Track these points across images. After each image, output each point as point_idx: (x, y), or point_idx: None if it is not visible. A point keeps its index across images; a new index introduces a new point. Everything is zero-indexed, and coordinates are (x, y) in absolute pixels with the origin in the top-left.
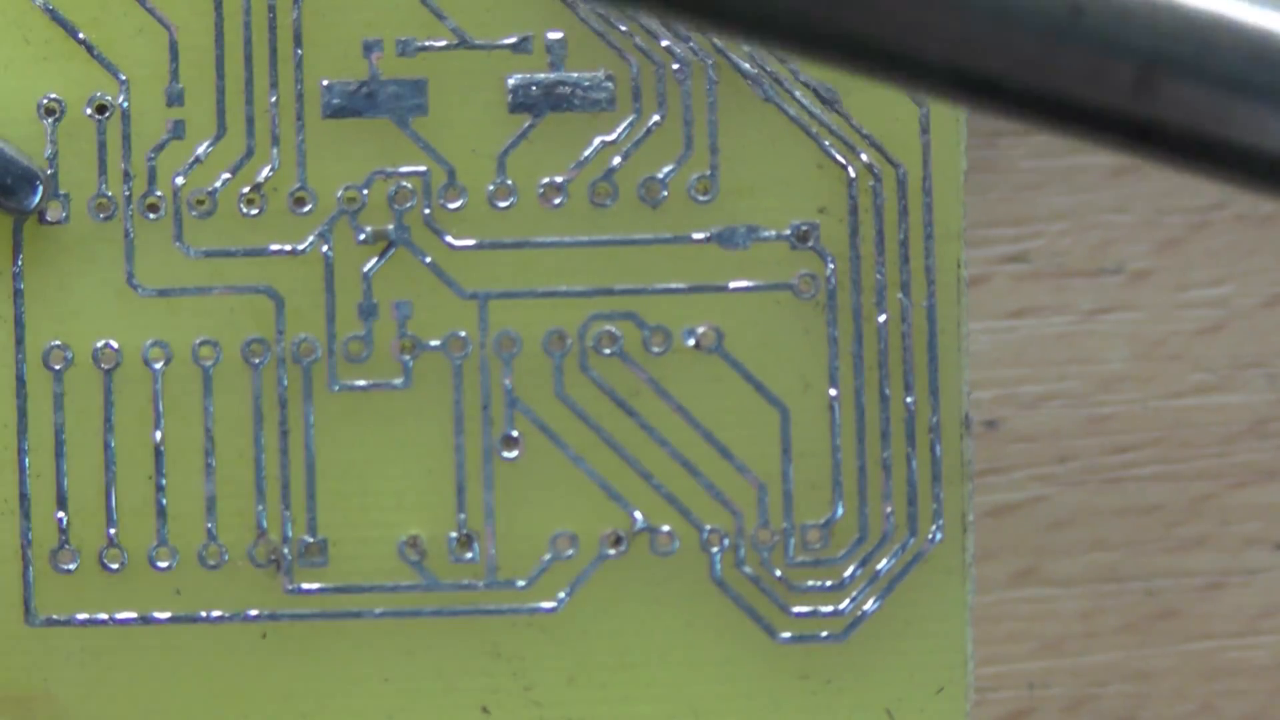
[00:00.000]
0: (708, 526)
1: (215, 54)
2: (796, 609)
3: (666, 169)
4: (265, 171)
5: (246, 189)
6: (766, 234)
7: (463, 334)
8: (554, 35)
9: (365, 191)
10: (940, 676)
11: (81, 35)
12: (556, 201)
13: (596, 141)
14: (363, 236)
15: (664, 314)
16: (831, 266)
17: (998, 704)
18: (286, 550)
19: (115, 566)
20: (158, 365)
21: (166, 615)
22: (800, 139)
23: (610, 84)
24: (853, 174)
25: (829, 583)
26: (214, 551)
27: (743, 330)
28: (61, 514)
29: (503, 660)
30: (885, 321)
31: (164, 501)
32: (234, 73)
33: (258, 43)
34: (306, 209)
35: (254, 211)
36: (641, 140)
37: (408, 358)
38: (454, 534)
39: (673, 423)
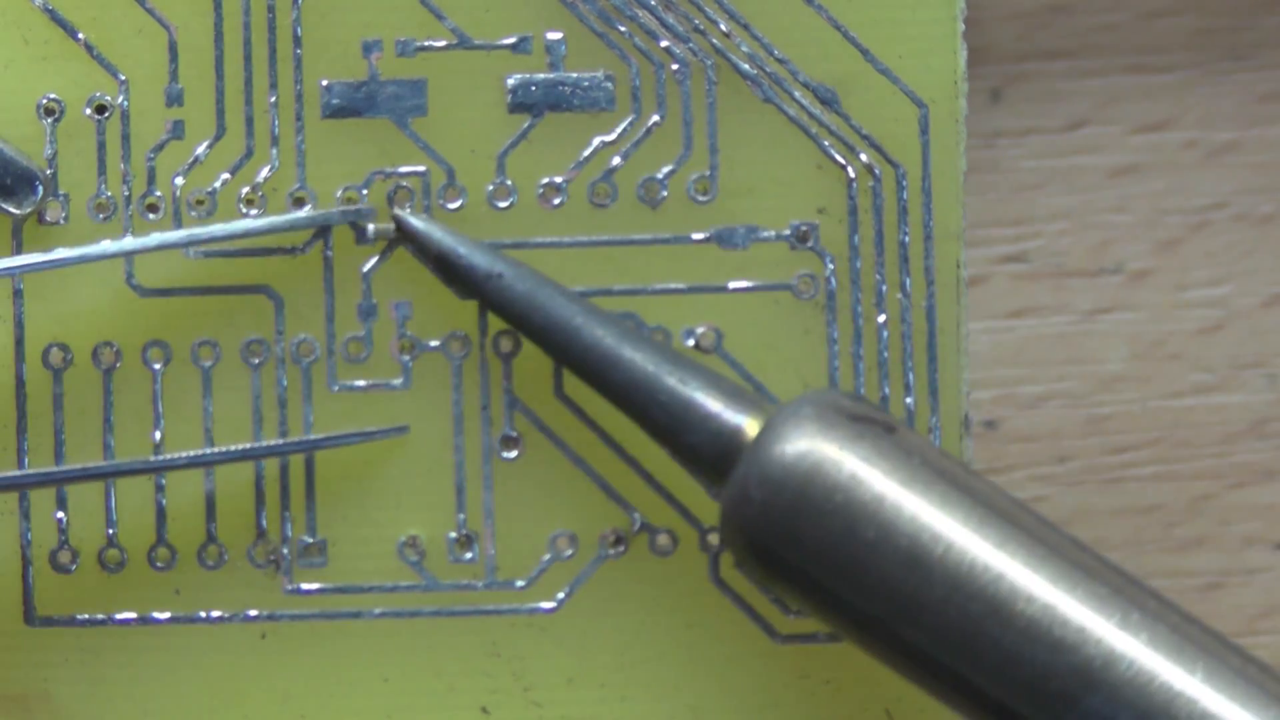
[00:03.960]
0: (708, 526)
1: (215, 54)
2: (796, 609)
3: (666, 169)
4: (265, 172)
5: (246, 189)
6: (766, 234)
7: (463, 334)
8: (553, 35)
9: (365, 191)
10: None
11: (81, 35)
12: (556, 201)
13: (596, 141)
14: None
15: (664, 314)
16: (831, 267)
17: None
18: (286, 550)
19: (115, 566)
20: (157, 365)
21: (166, 615)
22: (800, 139)
23: (609, 84)
24: (852, 174)
25: None
26: (214, 551)
27: (743, 330)
28: (61, 514)
29: (503, 660)
30: (885, 321)
31: (164, 501)
32: (233, 73)
33: (257, 43)
34: (306, 209)
35: (254, 212)
36: (641, 140)
37: (407, 358)
38: (453, 534)
39: None
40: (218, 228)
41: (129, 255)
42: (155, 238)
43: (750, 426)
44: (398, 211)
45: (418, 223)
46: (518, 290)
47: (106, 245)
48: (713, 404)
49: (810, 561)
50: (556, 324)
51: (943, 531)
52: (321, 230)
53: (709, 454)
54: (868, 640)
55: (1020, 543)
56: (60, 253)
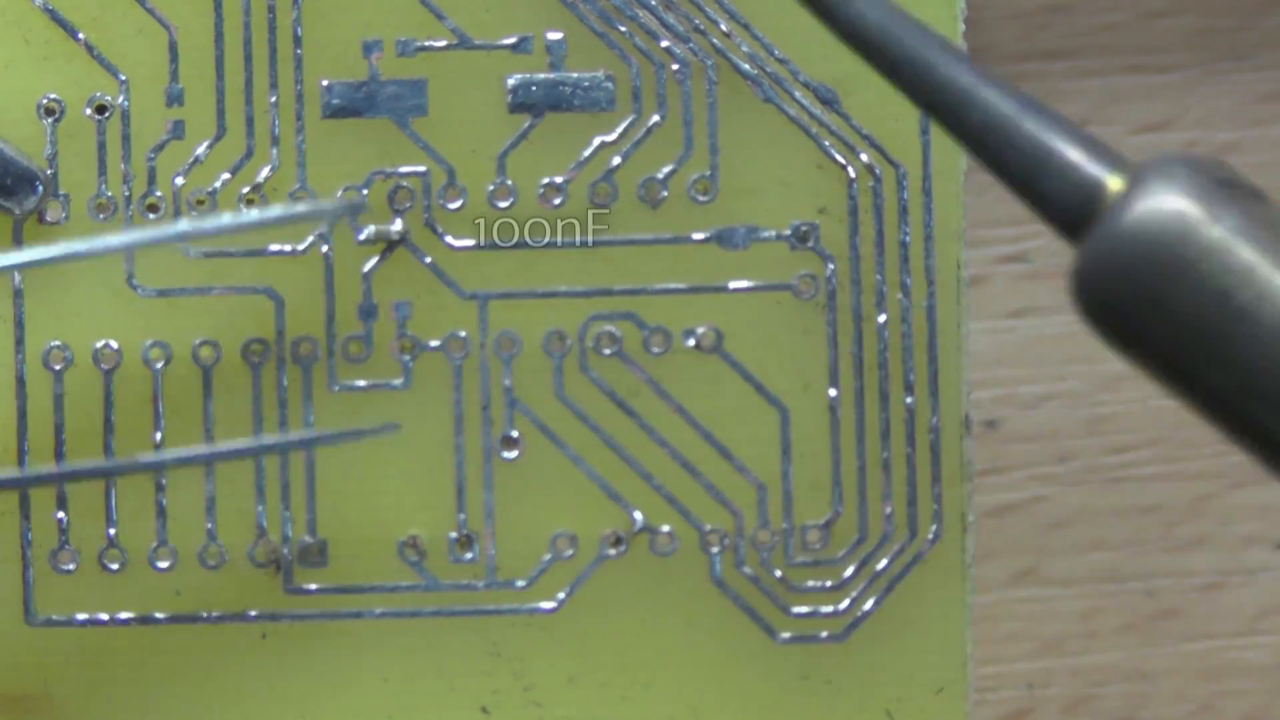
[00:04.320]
0: (707, 526)
1: (215, 54)
2: (796, 609)
3: (666, 169)
4: (265, 171)
5: (246, 189)
6: (766, 234)
7: (463, 334)
8: (554, 35)
9: (365, 192)
10: (940, 676)
11: (81, 35)
12: (556, 201)
13: (596, 141)
14: (363, 236)
15: (664, 314)
16: (831, 267)
17: (998, 704)
18: (286, 550)
19: (115, 566)
20: (158, 365)
21: (166, 615)
22: (800, 139)
23: (610, 84)
24: (853, 174)
25: (829, 583)
26: (214, 551)
27: (743, 330)
28: (61, 514)
29: (503, 660)
30: (885, 321)
31: (164, 501)
32: (234, 73)
33: (258, 43)
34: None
35: (253, 211)
36: (641, 140)
37: (407, 358)
38: (454, 534)
39: (673, 423)
40: (210, 222)
41: (130, 249)
42: (151, 232)
43: (1113, 182)
44: None
45: None
46: (872, 19)
47: (109, 240)
48: (1074, 153)
49: (1173, 328)
50: (912, 59)
51: None
52: (323, 230)
53: (1066, 204)
54: (1221, 418)
55: None
56: (58, 249)
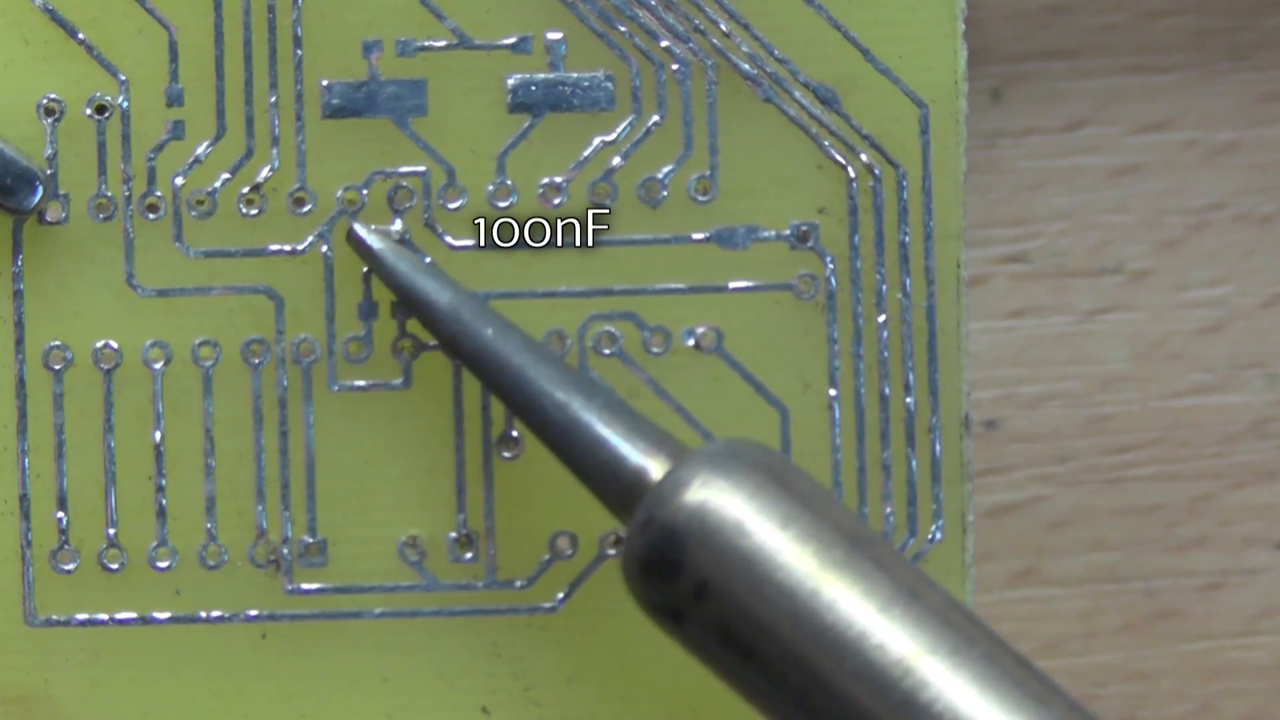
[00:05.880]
0: None
1: (215, 54)
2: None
3: (666, 169)
4: (265, 172)
5: (246, 189)
6: (766, 234)
7: None
8: (554, 35)
9: (365, 191)
10: None
11: (81, 35)
12: (556, 201)
13: (596, 141)
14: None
15: (664, 314)
16: (831, 266)
17: None
18: (286, 550)
19: (115, 566)
20: (157, 365)
21: (166, 615)
22: (800, 139)
23: (610, 84)
24: (853, 174)
25: None
26: (214, 551)
27: (743, 330)
28: (61, 514)
29: (503, 660)
30: (885, 321)
31: (164, 501)
32: (234, 73)
33: (257, 43)
34: (306, 209)
35: (253, 212)
36: (641, 140)
37: (407, 358)
38: (454, 534)
39: (673, 423)
40: None
41: None
42: None
43: (656, 468)
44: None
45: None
46: (439, 300)
47: None
48: (621, 443)
49: (689, 594)
50: (482, 346)
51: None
52: (323, 230)
53: (614, 490)
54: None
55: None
56: None
